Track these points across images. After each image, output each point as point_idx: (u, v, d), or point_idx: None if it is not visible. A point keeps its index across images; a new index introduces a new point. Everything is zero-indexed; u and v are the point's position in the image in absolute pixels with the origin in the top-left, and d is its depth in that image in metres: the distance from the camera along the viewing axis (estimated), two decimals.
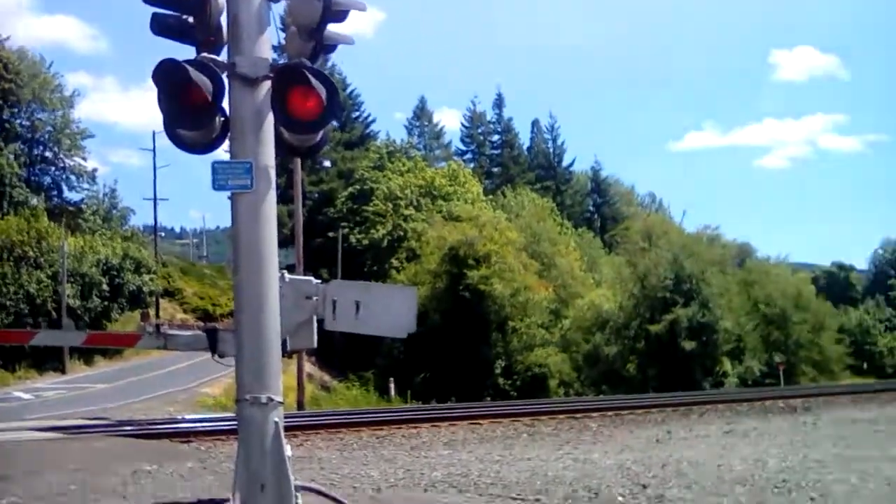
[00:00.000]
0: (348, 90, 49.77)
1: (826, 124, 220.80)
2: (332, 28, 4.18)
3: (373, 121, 53.73)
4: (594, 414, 15.77)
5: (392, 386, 32.81)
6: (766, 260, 60.27)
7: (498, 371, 37.21)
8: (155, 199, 46.81)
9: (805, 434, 10.88)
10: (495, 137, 64.81)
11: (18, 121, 40.26)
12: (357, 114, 52.19)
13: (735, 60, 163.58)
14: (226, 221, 65.97)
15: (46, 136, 41.25)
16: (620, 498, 6.30)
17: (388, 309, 4.51)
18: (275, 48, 4.18)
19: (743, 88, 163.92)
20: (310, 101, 3.82)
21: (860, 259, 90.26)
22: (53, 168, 42.68)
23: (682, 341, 38.34)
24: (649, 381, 36.94)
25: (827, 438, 10.07)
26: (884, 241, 76.33)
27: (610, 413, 15.95)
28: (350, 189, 45.66)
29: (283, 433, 3.80)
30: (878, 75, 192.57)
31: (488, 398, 31.44)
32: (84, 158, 42.93)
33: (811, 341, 51.16)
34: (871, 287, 71.30)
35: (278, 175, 6.87)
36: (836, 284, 69.53)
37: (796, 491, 6.29)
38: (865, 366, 55.90)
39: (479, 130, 64.03)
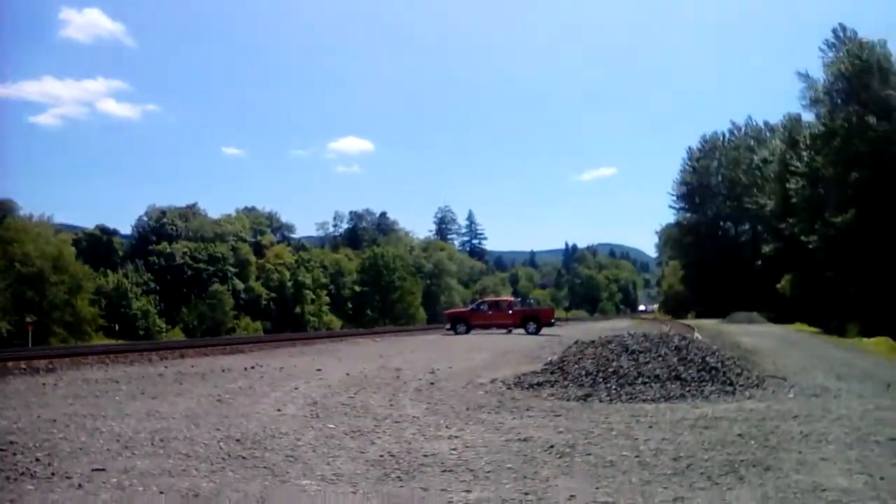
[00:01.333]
0: None
1: (107, 89, 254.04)
2: None
3: None
4: None
5: None
6: (29, 218, 71.76)
7: None
8: None
9: (44, 395, 12.54)
10: None
11: None
12: None
13: (21, 11, 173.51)
14: None
15: None
16: None
17: None
18: None
19: (25, 41, 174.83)
20: None
21: (126, 224, 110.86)
22: None
23: None
24: None
25: (65, 398, 11.91)
26: (149, 207, 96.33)
27: None
28: None
29: None
30: (163, 49, 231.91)
31: None
32: None
33: (66, 302, 63.30)
34: (133, 252, 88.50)
35: None
36: (99, 247, 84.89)
37: (23, 452, 7.60)
38: (117, 327, 70.81)
39: None
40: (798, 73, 51.29)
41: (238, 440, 8.37)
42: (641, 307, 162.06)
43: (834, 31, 49.11)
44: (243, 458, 7.52)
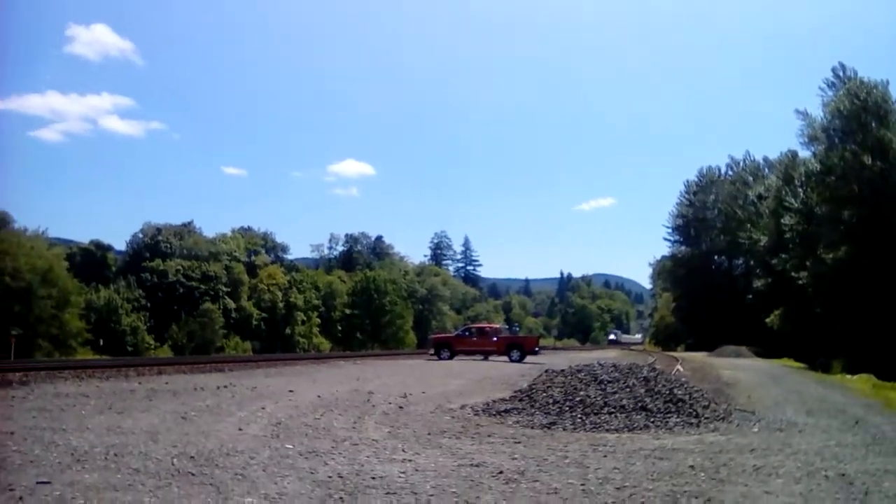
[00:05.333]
0: None
1: (111, 106, 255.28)
2: None
3: None
4: None
5: None
6: (23, 231, 71.94)
7: None
8: None
9: (10, 407, 12.58)
10: None
11: None
12: None
13: (26, 26, 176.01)
14: None
15: None
16: None
17: None
18: None
19: (29, 55, 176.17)
20: None
21: (121, 240, 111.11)
22: None
23: None
24: None
25: (30, 411, 11.99)
26: (145, 224, 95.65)
27: None
28: None
29: None
30: (171, 68, 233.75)
31: None
32: None
33: (53, 316, 63.59)
34: (126, 268, 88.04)
35: None
36: (92, 263, 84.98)
37: None
38: (101, 342, 70.85)
39: None
40: (797, 111, 51.50)
41: (192, 457, 8.42)
42: (612, 336, 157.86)
43: (834, 70, 49.36)
44: (192, 474, 7.57)
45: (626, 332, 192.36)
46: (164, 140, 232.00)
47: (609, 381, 13.76)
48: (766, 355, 53.09)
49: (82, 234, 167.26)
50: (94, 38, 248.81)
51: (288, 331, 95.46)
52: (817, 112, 49.79)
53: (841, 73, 49.12)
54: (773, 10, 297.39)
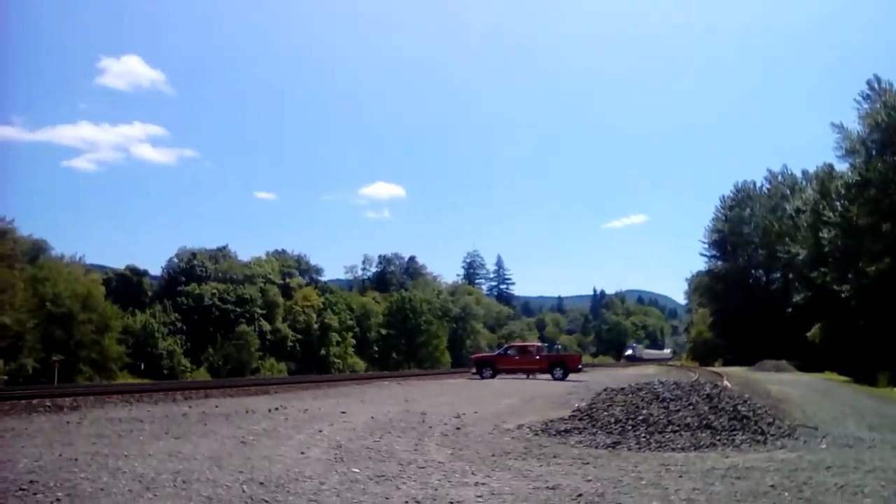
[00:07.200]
0: None
1: (144, 135, 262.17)
2: None
3: None
4: None
5: None
6: (60, 258, 73.57)
7: None
8: None
9: (67, 433, 12.48)
10: None
11: None
12: None
13: (58, 59, 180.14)
14: None
15: None
16: None
17: None
18: None
19: (61, 87, 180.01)
20: None
21: (156, 265, 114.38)
22: None
23: None
24: None
25: (88, 437, 11.87)
26: (180, 249, 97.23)
27: None
28: None
29: None
30: (201, 96, 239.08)
31: None
32: None
33: (93, 341, 64.66)
34: (162, 292, 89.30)
35: None
36: (128, 288, 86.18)
37: (43, 492, 7.55)
38: (143, 366, 71.93)
39: None
40: (832, 124, 51.10)
41: (261, 483, 8.28)
42: (629, 351, 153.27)
43: (869, 82, 48.94)
44: (266, 501, 7.43)
45: (660, 347, 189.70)
46: (196, 167, 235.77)
47: (671, 399, 13.46)
48: (806, 369, 52.39)
49: (117, 261, 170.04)
50: (126, 70, 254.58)
51: (323, 352, 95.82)
52: (853, 125, 49.46)
53: (876, 86, 48.69)
54: (809, 24, 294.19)
